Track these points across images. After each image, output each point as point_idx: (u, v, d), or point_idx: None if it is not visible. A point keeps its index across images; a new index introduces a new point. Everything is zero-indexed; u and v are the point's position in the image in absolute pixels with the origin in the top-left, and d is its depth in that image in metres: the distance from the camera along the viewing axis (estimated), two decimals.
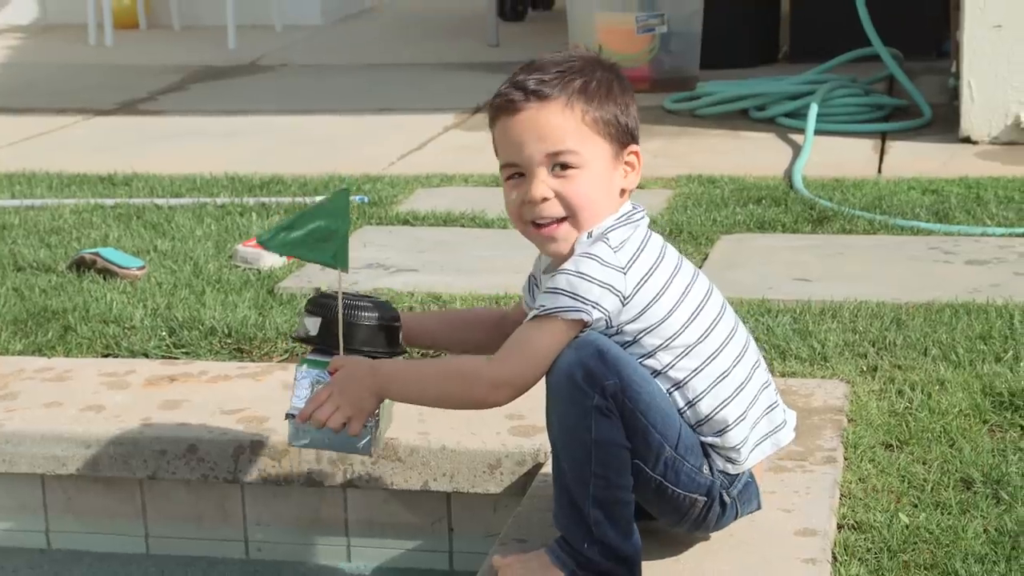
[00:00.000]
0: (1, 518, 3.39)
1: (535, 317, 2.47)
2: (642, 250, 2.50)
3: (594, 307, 2.43)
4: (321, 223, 2.61)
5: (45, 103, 8.06)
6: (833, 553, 2.65)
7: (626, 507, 2.47)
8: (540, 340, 2.46)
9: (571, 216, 2.52)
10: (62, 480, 3.33)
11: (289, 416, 2.62)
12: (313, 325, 2.68)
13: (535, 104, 2.49)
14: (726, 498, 2.55)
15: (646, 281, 2.48)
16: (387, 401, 2.63)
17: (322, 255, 2.63)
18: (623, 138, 2.53)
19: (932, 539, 2.69)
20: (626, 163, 2.55)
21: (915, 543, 2.68)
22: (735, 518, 2.61)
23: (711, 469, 2.53)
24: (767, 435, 2.59)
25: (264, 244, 2.71)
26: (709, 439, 2.52)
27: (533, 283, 2.71)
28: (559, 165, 2.50)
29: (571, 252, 2.51)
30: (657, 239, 2.57)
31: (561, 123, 2.49)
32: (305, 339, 2.70)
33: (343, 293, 2.64)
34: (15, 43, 10.90)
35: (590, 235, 2.50)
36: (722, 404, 2.50)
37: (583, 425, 2.42)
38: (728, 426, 2.51)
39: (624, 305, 2.45)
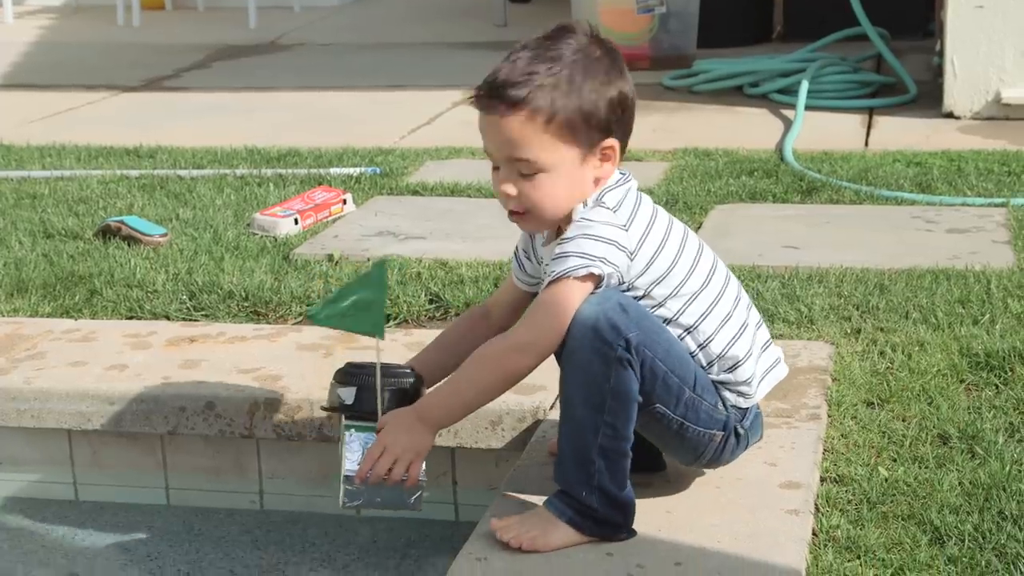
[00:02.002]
0: (31, 471, 3.39)
1: (550, 283, 2.47)
2: (638, 208, 2.51)
3: (603, 262, 2.44)
4: (362, 294, 2.62)
5: (75, 80, 8.04)
6: (816, 504, 2.65)
7: (625, 459, 2.48)
8: (556, 301, 2.46)
9: (533, 212, 2.53)
10: (88, 435, 3.33)
11: (346, 479, 2.58)
12: (348, 395, 2.68)
13: (502, 108, 2.46)
14: (740, 430, 2.59)
15: (647, 235, 2.49)
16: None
17: (362, 325, 2.64)
18: (593, 136, 2.47)
19: (909, 491, 2.69)
20: (601, 154, 2.50)
21: (893, 495, 2.68)
22: (746, 447, 2.65)
23: (725, 405, 2.56)
24: (768, 369, 2.64)
25: (313, 318, 2.72)
26: (722, 376, 2.55)
27: (524, 257, 2.72)
28: (523, 169, 2.49)
29: (570, 219, 2.51)
30: (648, 199, 2.58)
31: (524, 133, 2.46)
32: (339, 408, 2.69)
33: (366, 364, 2.66)
34: (48, 23, 10.88)
35: (585, 204, 2.50)
36: (730, 343, 2.54)
37: (603, 375, 2.42)
38: (738, 362, 2.55)
39: (631, 260, 2.47)
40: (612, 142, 2.50)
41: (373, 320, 2.62)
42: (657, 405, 2.48)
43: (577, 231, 2.47)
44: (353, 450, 2.60)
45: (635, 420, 2.46)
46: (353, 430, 2.63)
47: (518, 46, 2.52)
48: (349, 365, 2.70)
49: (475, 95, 2.50)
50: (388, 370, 2.68)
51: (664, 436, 2.55)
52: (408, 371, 2.69)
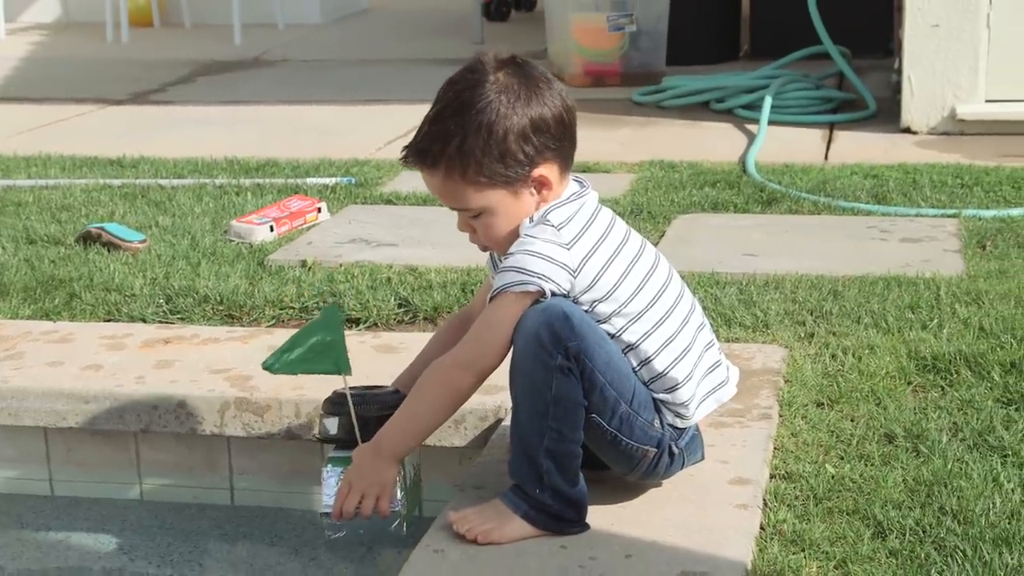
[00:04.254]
0: (7, 467, 3.38)
1: (491, 299, 2.47)
2: (589, 225, 2.49)
3: (541, 279, 2.42)
4: (317, 338, 2.64)
5: (64, 93, 8.02)
6: (764, 500, 2.66)
7: (575, 459, 2.48)
8: (495, 317, 2.47)
9: (491, 246, 2.57)
10: (63, 433, 3.32)
11: (324, 515, 2.61)
12: (332, 425, 2.70)
13: (424, 170, 2.49)
14: (675, 449, 2.57)
15: (593, 254, 2.47)
16: (411, 482, 2.65)
17: (324, 366, 2.64)
18: (516, 172, 2.45)
19: (855, 487, 2.70)
20: (534, 186, 2.48)
21: (839, 491, 2.69)
22: (682, 467, 2.63)
23: (662, 423, 2.55)
24: (710, 392, 2.61)
25: (270, 369, 2.71)
26: (660, 395, 2.53)
27: (494, 259, 2.70)
28: (466, 213, 2.52)
29: (517, 235, 2.51)
30: (606, 214, 2.55)
31: (448, 188, 2.49)
32: (328, 439, 2.72)
33: (353, 389, 2.66)
34: (39, 39, 10.85)
35: (532, 219, 2.49)
36: (671, 364, 2.51)
37: (544, 382, 2.42)
38: (677, 384, 2.52)
39: (575, 277, 2.45)
40: (540, 173, 2.47)
41: (334, 359, 2.63)
42: (593, 415, 2.47)
43: (518, 247, 2.46)
44: (330, 485, 2.62)
45: (581, 423, 2.45)
46: (331, 464, 2.64)
47: (435, 102, 2.49)
48: (336, 394, 2.70)
49: (401, 157, 2.53)
50: (375, 397, 2.68)
51: (599, 444, 2.54)
52: (395, 396, 2.68)
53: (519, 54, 2.52)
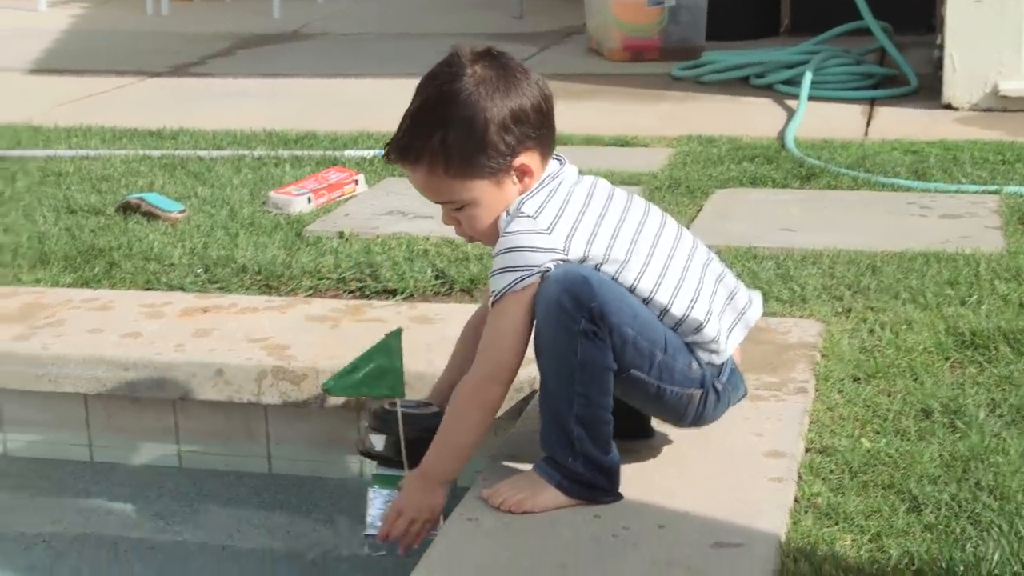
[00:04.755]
0: (48, 433, 3.41)
1: (493, 304, 2.49)
2: (566, 203, 2.48)
3: (531, 271, 2.44)
4: (377, 363, 2.68)
5: (104, 66, 8.06)
6: (799, 473, 2.66)
7: (605, 425, 2.48)
8: (501, 323, 2.48)
9: (476, 238, 2.58)
10: (103, 399, 3.35)
11: (368, 536, 2.64)
12: (379, 443, 2.74)
13: (407, 166, 2.52)
14: (717, 386, 2.57)
15: (576, 228, 2.46)
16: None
17: (380, 390, 2.68)
18: (498, 163, 2.46)
19: (891, 462, 2.69)
20: (516, 175, 2.49)
21: (875, 465, 2.68)
22: (728, 405, 2.63)
23: (699, 363, 2.54)
24: (736, 320, 2.60)
25: (330, 391, 2.75)
26: (689, 338, 2.53)
27: None
28: (450, 207, 2.54)
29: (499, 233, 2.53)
30: (585, 183, 2.54)
31: (432, 182, 2.50)
32: (372, 455, 2.75)
33: (403, 406, 2.69)
34: (80, 12, 10.90)
35: (508, 213, 2.50)
36: (688, 307, 2.50)
37: (570, 348, 2.43)
38: (700, 324, 2.51)
39: (565, 254, 2.45)
40: (521, 162, 2.48)
41: (391, 384, 2.67)
42: (632, 370, 2.47)
43: (501, 246, 2.47)
44: (375, 506, 2.65)
45: (610, 388, 2.46)
46: (377, 485, 2.68)
47: (414, 97, 2.51)
48: (382, 410, 2.73)
49: (384, 155, 2.55)
50: (423, 418, 2.70)
51: (645, 400, 2.55)
52: (437, 414, 2.70)
53: (494, 47, 2.55)
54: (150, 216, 4.47)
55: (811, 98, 6.14)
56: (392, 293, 3.76)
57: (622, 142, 5.54)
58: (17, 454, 3.43)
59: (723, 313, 2.57)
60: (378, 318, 3.52)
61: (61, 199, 4.76)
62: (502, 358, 2.48)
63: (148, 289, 3.84)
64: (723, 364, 2.59)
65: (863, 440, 2.79)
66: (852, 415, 2.91)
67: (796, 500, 2.56)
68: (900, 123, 5.80)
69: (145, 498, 3.25)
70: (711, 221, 4.32)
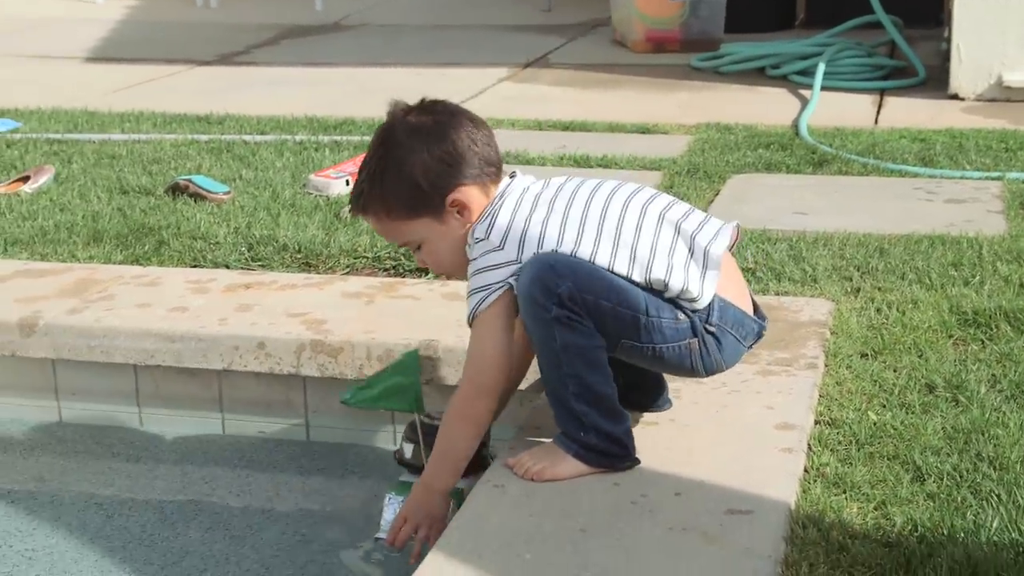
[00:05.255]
0: (100, 401, 3.42)
1: (470, 324, 2.51)
2: (513, 216, 2.49)
3: (500, 286, 2.45)
4: (395, 380, 2.72)
5: (155, 54, 8.07)
6: (808, 444, 2.64)
7: (607, 397, 2.47)
8: (478, 342, 2.51)
9: (440, 271, 2.67)
10: (151, 370, 3.36)
11: (379, 539, 2.67)
12: (408, 451, 2.77)
13: (361, 215, 2.61)
14: (710, 328, 2.50)
15: (526, 232, 2.47)
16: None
17: (399, 404, 2.72)
18: (431, 202, 2.49)
19: (896, 434, 2.68)
20: (455, 211, 2.51)
21: (880, 437, 2.67)
22: (742, 344, 2.57)
23: (685, 312, 2.49)
24: (704, 265, 2.49)
25: (347, 403, 2.76)
26: (664, 295, 2.47)
27: None
28: (410, 247, 2.60)
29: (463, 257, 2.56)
30: (533, 190, 2.54)
31: (382, 227, 2.58)
32: (402, 462, 2.78)
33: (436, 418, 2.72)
34: (134, 4, 10.90)
35: (468, 245, 2.53)
36: (647, 268, 2.45)
37: (548, 335, 2.44)
38: (664, 281, 2.45)
39: (520, 258, 2.45)
40: (455, 198, 2.49)
41: (410, 400, 2.71)
42: (623, 340, 2.46)
43: (471, 271, 2.51)
44: (390, 511, 2.66)
45: (601, 362, 2.45)
46: (394, 492, 2.69)
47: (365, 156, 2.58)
48: (415, 421, 2.76)
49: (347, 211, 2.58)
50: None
51: (648, 362, 2.53)
52: None
53: (429, 97, 2.58)
54: (197, 197, 4.47)
55: (824, 88, 6.11)
56: (424, 272, 3.75)
57: (643, 129, 5.52)
58: (72, 421, 3.44)
59: (687, 264, 2.47)
60: (411, 295, 3.51)
61: (114, 180, 4.77)
62: (483, 376, 2.51)
63: (195, 266, 3.85)
64: (709, 305, 2.50)
65: (870, 413, 2.77)
66: (860, 389, 2.89)
67: (805, 470, 2.54)
68: (908, 112, 5.76)
69: (191, 463, 3.25)
70: (728, 205, 4.29)
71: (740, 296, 2.58)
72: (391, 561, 2.68)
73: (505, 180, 2.56)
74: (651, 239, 2.47)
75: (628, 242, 2.46)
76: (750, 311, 2.60)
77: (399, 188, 2.49)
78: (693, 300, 2.47)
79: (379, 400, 2.74)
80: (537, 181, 2.58)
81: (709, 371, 2.56)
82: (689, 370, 2.55)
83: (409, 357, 2.78)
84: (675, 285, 2.45)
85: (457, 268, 2.58)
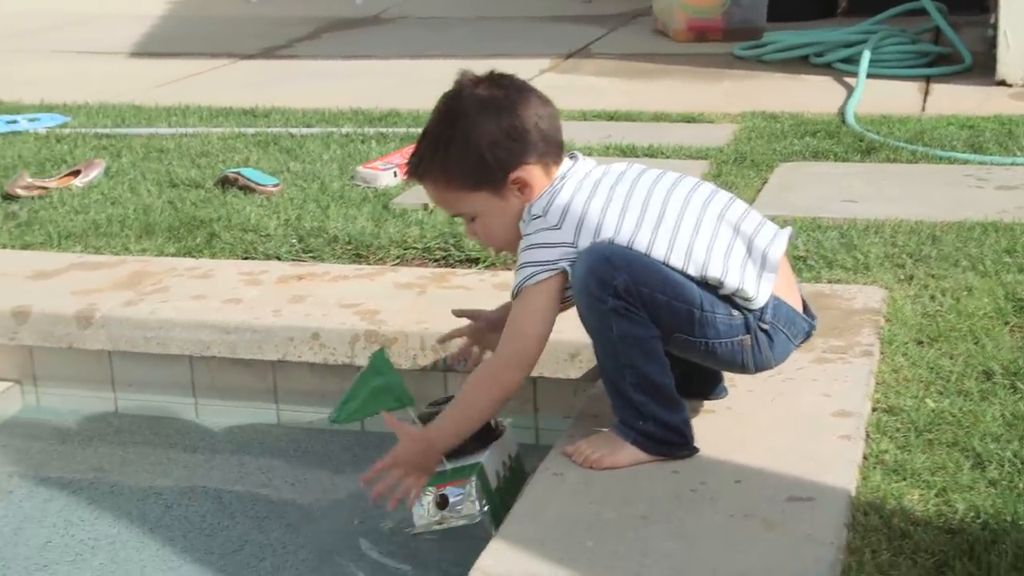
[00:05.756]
0: (157, 393, 3.46)
1: (514, 296, 2.50)
2: (573, 197, 2.48)
3: (552, 264, 2.45)
4: (374, 384, 2.73)
5: (199, 49, 8.12)
6: (866, 431, 2.64)
7: (664, 387, 2.48)
8: (520, 315, 2.50)
9: (490, 245, 2.67)
10: (207, 361, 3.39)
11: (411, 533, 2.67)
12: None
13: (418, 181, 2.59)
14: (763, 326, 2.51)
15: (585, 215, 2.46)
16: (502, 481, 2.67)
17: (388, 404, 2.72)
18: (494, 177, 2.49)
19: (954, 421, 2.67)
20: (516, 188, 2.50)
21: (939, 424, 2.66)
22: (792, 343, 2.57)
23: (739, 309, 2.49)
24: (761, 267, 2.49)
25: (336, 421, 2.78)
26: (721, 291, 2.47)
27: None
28: (463, 217, 2.60)
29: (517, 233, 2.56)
30: (595, 174, 2.53)
31: (438, 196, 2.57)
32: None
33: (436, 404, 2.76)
34: None
35: (524, 220, 2.52)
36: (703, 266, 2.45)
37: (605, 326, 2.44)
38: (720, 278, 2.45)
39: (575, 247, 2.45)
40: (518, 176, 2.49)
41: (396, 396, 2.71)
42: (676, 334, 2.46)
43: (521, 247, 2.51)
44: (418, 504, 2.64)
45: (657, 352, 2.45)
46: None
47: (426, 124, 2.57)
48: (425, 413, 2.76)
49: (404, 173, 2.57)
50: None
51: (699, 357, 2.53)
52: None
53: (497, 71, 2.56)
54: (247, 189, 4.50)
55: (869, 76, 6.08)
56: (474, 262, 3.76)
57: (689, 118, 5.51)
58: (128, 412, 3.47)
59: (744, 265, 2.47)
60: (462, 285, 3.52)
61: (163, 174, 4.81)
62: (521, 348, 2.50)
63: (246, 258, 3.87)
64: (764, 305, 2.50)
65: (927, 400, 2.76)
66: (916, 377, 2.88)
67: (864, 457, 2.54)
68: (955, 99, 5.73)
69: (247, 454, 3.27)
70: (776, 193, 4.28)
71: (792, 295, 2.60)
72: (425, 549, 2.70)
73: (567, 162, 2.55)
74: (709, 238, 2.47)
75: (686, 239, 2.45)
76: (801, 310, 2.60)
77: (463, 160, 2.48)
78: (748, 300, 2.48)
79: (366, 408, 2.74)
80: (598, 166, 2.58)
81: (759, 368, 2.57)
82: (740, 366, 2.56)
83: (378, 358, 2.79)
84: (731, 284, 2.46)
85: (508, 244, 2.59)
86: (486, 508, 2.61)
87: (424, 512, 2.64)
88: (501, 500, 2.63)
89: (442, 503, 2.63)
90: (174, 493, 3.07)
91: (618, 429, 2.52)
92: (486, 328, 2.89)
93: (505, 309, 2.81)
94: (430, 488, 2.63)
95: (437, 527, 2.64)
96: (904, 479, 2.45)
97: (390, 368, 2.76)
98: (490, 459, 2.67)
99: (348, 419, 2.78)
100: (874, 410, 2.74)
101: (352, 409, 2.75)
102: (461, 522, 2.62)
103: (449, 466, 2.63)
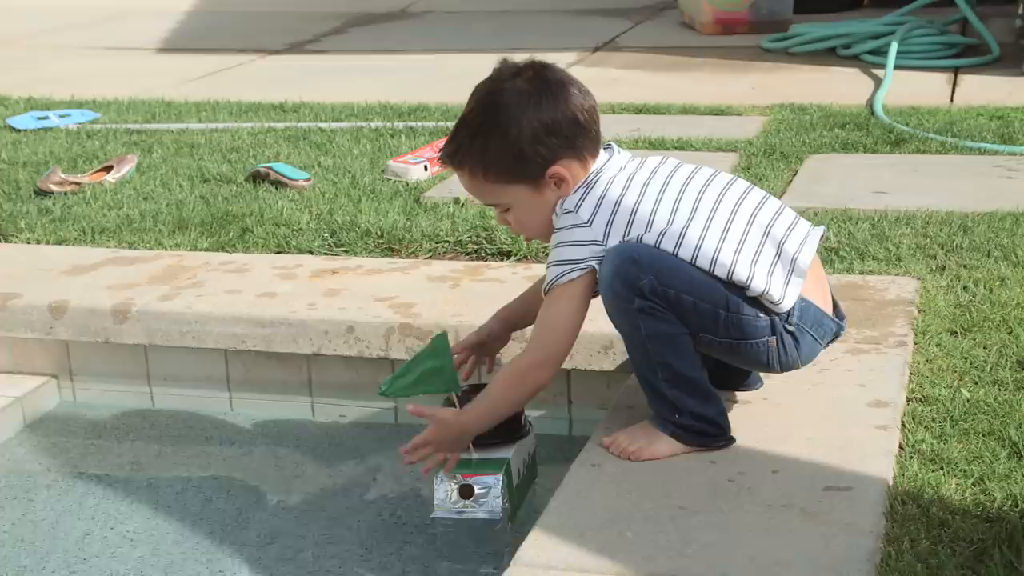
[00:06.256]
0: (192, 386, 3.48)
1: (545, 294, 2.51)
2: (603, 196, 2.47)
3: (582, 263, 2.46)
4: (428, 365, 2.74)
5: (226, 44, 8.15)
6: (902, 421, 2.64)
7: (697, 380, 2.49)
8: (550, 314, 2.51)
9: (524, 234, 2.67)
10: (241, 355, 3.41)
11: (434, 519, 2.70)
12: None
13: (454, 169, 2.58)
14: (789, 328, 2.50)
15: (614, 218, 2.45)
16: (520, 479, 2.71)
17: (436, 387, 2.73)
18: (531, 171, 2.48)
19: (990, 411, 2.67)
20: (553, 182, 2.49)
21: (975, 414, 2.66)
22: (819, 343, 2.56)
23: (766, 311, 2.48)
24: (790, 269, 2.47)
25: (385, 393, 2.80)
26: (747, 293, 2.46)
27: None
28: (498, 207, 2.59)
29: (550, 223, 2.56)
30: (627, 171, 2.52)
31: (474, 185, 2.55)
32: None
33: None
34: None
35: (556, 213, 2.52)
36: (730, 269, 2.43)
37: (633, 326, 2.45)
38: (745, 282, 2.44)
39: (604, 244, 2.45)
40: (555, 170, 2.48)
41: (445, 381, 2.73)
42: (701, 334, 2.46)
43: (553, 241, 2.52)
44: (443, 490, 2.67)
45: (687, 347, 2.45)
46: (440, 471, 2.67)
47: (465, 107, 2.55)
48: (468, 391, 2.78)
49: (438, 159, 2.56)
50: None
51: (727, 356, 2.54)
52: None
53: (539, 60, 2.53)
54: (278, 184, 4.52)
55: (896, 67, 6.07)
56: (507, 255, 3.77)
57: (717, 111, 5.51)
58: (164, 406, 3.49)
59: (772, 269, 2.46)
60: (495, 278, 3.54)
61: (195, 169, 4.83)
62: (552, 346, 2.52)
63: (279, 252, 3.89)
64: (791, 308, 2.48)
65: (962, 390, 2.76)
66: (950, 367, 2.89)
67: (900, 447, 2.54)
68: (984, 90, 5.71)
69: (282, 446, 3.29)
70: (807, 185, 4.28)
71: (822, 295, 2.58)
72: (455, 535, 2.72)
73: (603, 156, 2.55)
74: (738, 241, 2.45)
75: (714, 241, 2.44)
76: (830, 310, 2.59)
77: (503, 153, 2.47)
78: (775, 303, 2.47)
79: (416, 386, 2.75)
80: (633, 159, 2.57)
81: (785, 368, 2.56)
82: (765, 366, 2.56)
83: (439, 340, 2.80)
84: (757, 287, 2.45)
85: (541, 234, 2.59)
86: (507, 505, 2.63)
87: (446, 498, 2.66)
88: (517, 497, 2.67)
89: (466, 493, 2.65)
90: (211, 486, 3.09)
91: (655, 421, 2.53)
92: (485, 341, 2.90)
93: (498, 321, 2.88)
94: (456, 475, 2.65)
95: (456, 516, 2.66)
96: (941, 468, 2.45)
97: (448, 354, 2.76)
98: (515, 457, 2.70)
99: (396, 393, 2.80)
100: (909, 400, 2.74)
101: (404, 384, 2.77)
102: (482, 515, 2.65)
103: (476, 455, 2.65)
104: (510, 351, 2.92)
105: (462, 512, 2.67)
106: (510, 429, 2.73)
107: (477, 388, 2.75)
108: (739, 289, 2.45)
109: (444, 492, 2.66)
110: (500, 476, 2.64)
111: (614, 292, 2.43)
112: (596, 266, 2.46)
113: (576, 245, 2.47)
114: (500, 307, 2.94)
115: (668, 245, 2.43)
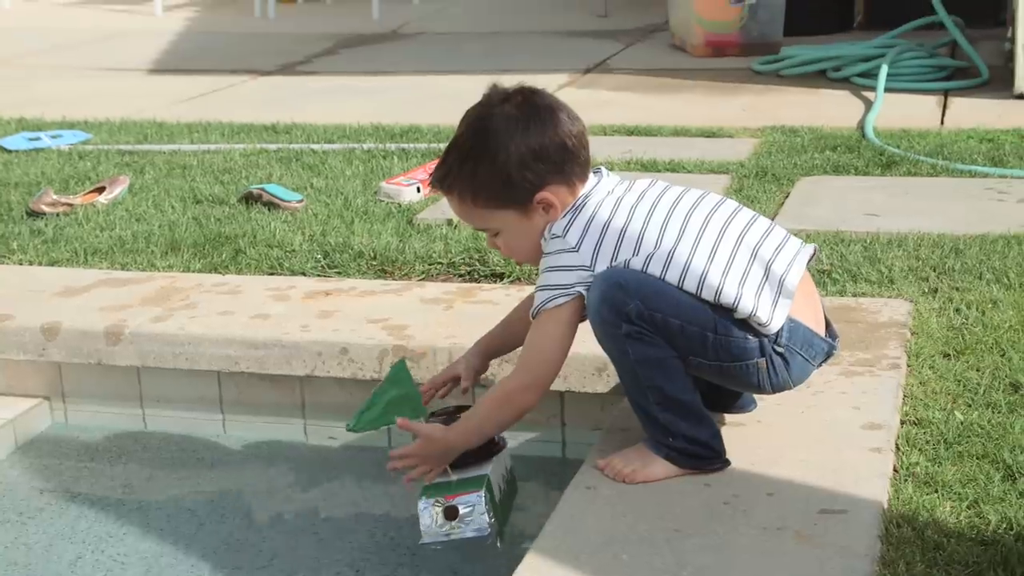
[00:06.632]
0: (185, 408, 3.47)
1: (533, 317, 2.51)
2: (591, 221, 2.47)
3: (570, 288, 2.46)
4: (392, 394, 2.76)
5: (217, 65, 8.15)
6: (896, 444, 2.64)
7: (689, 404, 2.49)
8: (537, 338, 2.51)
9: (513, 258, 2.70)
10: (235, 376, 3.40)
11: (423, 545, 2.65)
12: None
13: (443, 194, 2.59)
14: (778, 349, 2.48)
15: (601, 242, 2.46)
16: (502, 496, 2.69)
17: (404, 414, 2.72)
18: (519, 196, 2.48)
19: (983, 433, 2.67)
20: (541, 207, 2.50)
21: (968, 436, 2.66)
22: (811, 363, 2.54)
23: (755, 333, 2.47)
24: (778, 291, 2.46)
25: (353, 429, 2.80)
26: (735, 315, 2.45)
27: None
28: (487, 232, 2.61)
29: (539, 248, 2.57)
30: (614, 195, 2.51)
31: (463, 210, 2.56)
32: None
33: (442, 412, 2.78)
34: (193, 15, 11.03)
35: (544, 238, 2.52)
36: (717, 291, 2.42)
37: (622, 352, 2.46)
38: (733, 303, 2.43)
39: (592, 269, 2.45)
40: (544, 196, 2.48)
41: (412, 407, 2.73)
42: (690, 357, 2.45)
43: (543, 266, 2.52)
44: (428, 516, 2.63)
45: (678, 371, 2.45)
46: (424, 496, 2.64)
47: (455, 132, 2.55)
48: (442, 414, 2.79)
49: (429, 184, 2.57)
50: None
51: (716, 377, 2.53)
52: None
53: (529, 86, 2.55)
54: (271, 205, 4.51)
55: (887, 90, 6.09)
56: (500, 277, 3.77)
57: (708, 133, 5.52)
58: (156, 428, 3.48)
59: (760, 291, 2.44)
60: (489, 300, 3.54)
61: (187, 190, 4.83)
62: (538, 369, 2.52)
63: (272, 274, 3.89)
64: (780, 329, 2.47)
65: (956, 413, 2.77)
66: (944, 389, 2.89)
67: (895, 469, 2.55)
68: (974, 113, 5.73)
69: (275, 468, 3.29)
70: (798, 207, 4.29)
71: (813, 315, 2.56)
72: (460, 563, 2.71)
73: (591, 180, 2.55)
74: (725, 263, 2.44)
75: (701, 263, 2.43)
76: (822, 330, 2.58)
77: (491, 179, 2.47)
78: (762, 325, 2.46)
79: (384, 417, 2.76)
80: (622, 183, 2.57)
81: (777, 389, 2.56)
82: (756, 387, 2.55)
83: (398, 369, 2.80)
84: (744, 309, 2.44)
85: (531, 258, 2.60)
86: (493, 520, 2.63)
87: (432, 523, 2.65)
88: (502, 514, 2.66)
89: (451, 514, 2.64)
90: (203, 509, 3.08)
91: (649, 444, 2.53)
92: (462, 376, 2.87)
93: (477, 354, 2.85)
94: (438, 499, 2.64)
95: (444, 539, 2.65)
96: (936, 491, 2.45)
97: (409, 380, 2.78)
98: (494, 473, 2.70)
99: (365, 428, 2.80)
100: (903, 423, 2.75)
101: (371, 418, 2.77)
102: (470, 534, 2.63)
103: (454, 477, 2.64)
104: (502, 371, 2.92)
105: (450, 534, 2.66)
106: (484, 446, 2.72)
107: (461, 408, 2.75)
108: (727, 311, 2.45)
109: (429, 517, 2.65)
110: (482, 492, 2.63)
111: (601, 318, 2.43)
112: (584, 291, 2.46)
113: (564, 270, 2.47)
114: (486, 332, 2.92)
115: (656, 267, 2.43)
